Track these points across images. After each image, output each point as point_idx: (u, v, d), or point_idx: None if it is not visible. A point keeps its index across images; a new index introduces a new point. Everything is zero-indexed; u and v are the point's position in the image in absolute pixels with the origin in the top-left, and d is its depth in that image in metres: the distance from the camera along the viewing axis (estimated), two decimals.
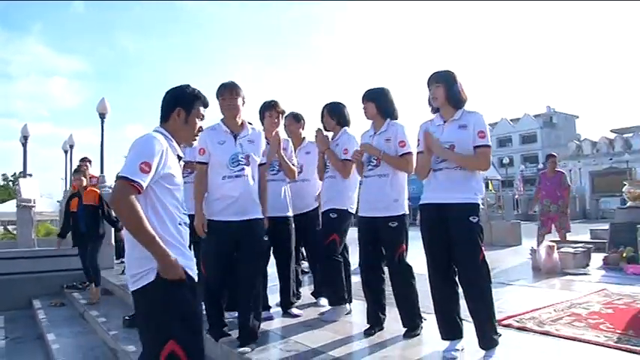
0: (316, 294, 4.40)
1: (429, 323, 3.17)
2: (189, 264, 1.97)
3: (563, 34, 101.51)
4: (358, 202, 3.54)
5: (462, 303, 2.83)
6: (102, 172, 10.58)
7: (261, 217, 3.22)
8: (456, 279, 2.84)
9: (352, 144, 3.68)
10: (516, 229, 10.03)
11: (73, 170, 7.54)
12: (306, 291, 4.66)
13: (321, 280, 4.18)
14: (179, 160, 2.07)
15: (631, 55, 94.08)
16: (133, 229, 1.82)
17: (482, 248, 2.74)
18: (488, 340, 2.71)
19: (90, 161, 7.99)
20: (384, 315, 3.38)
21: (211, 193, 3.20)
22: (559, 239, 7.19)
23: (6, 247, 9.45)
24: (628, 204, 7.42)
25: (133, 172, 1.82)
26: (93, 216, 6.24)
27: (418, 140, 3.04)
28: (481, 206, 2.86)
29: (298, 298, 4.26)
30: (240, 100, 3.22)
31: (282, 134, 4.07)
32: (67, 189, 11.81)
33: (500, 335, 2.77)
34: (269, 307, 3.97)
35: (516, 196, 24.14)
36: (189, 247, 2.12)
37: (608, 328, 3.31)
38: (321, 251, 3.75)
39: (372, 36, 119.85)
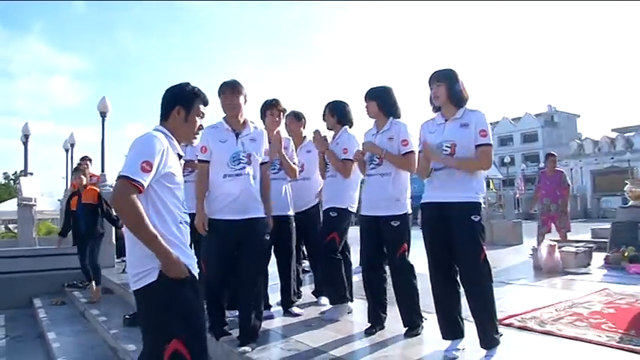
0: (317, 293, 4.39)
1: (430, 322, 3.16)
2: (190, 263, 1.97)
3: (564, 33, 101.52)
4: (360, 201, 3.54)
5: (463, 302, 2.82)
6: (103, 170, 10.60)
7: (263, 216, 3.21)
8: (457, 278, 2.83)
9: (352, 143, 3.67)
10: (517, 228, 10.03)
11: (73, 169, 7.54)
12: (307, 290, 4.65)
13: (321, 278, 4.18)
14: (179, 159, 2.07)
15: (633, 54, 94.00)
16: (135, 228, 1.82)
17: (484, 247, 2.73)
18: (489, 339, 2.70)
19: (90, 160, 7.98)
20: (385, 314, 3.37)
21: (212, 192, 3.19)
22: (559, 238, 7.18)
23: (7, 246, 9.47)
24: (630, 203, 7.40)
25: (134, 172, 1.81)
26: (92, 215, 6.24)
27: (419, 139, 3.04)
28: (482, 205, 2.85)
29: (299, 297, 4.26)
30: (241, 99, 3.21)
31: (283, 133, 4.07)
32: (68, 188, 11.82)
33: (501, 335, 2.76)
34: (270, 306, 3.97)
35: (517, 195, 24.13)
36: (190, 245, 2.12)
37: (610, 328, 3.30)
38: (322, 250, 3.74)
39: (372, 36, 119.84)
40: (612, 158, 30.86)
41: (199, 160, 3.27)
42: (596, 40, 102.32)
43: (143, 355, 2.00)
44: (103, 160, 11.14)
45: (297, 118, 4.30)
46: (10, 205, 17.07)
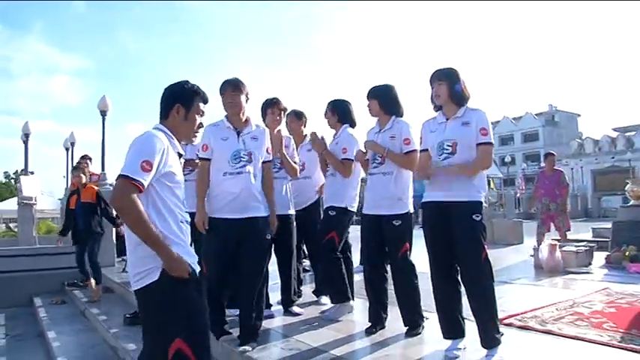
0: (317, 292, 4.39)
1: (431, 322, 3.16)
2: (192, 261, 1.96)
3: (565, 33, 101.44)
4: (362, 200, 3.53)
5: (464, 302, 2.81)
6: (103, 169, 10.57)
7: (264, 215, 3.19)
8: (459, 278, 2.82)
9: (351, 143, 3.66)
10: (518, 227, 10.02)
11: (72, 167, 7.54)
12: (308, 289, 4.65)
13: (322, 278, 4.17)
14: (180, 158, 2.06)
15: (633, 53, 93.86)
16: (135, 227, 1.81)
17: (485, 247, 2.72)
18: (490, 339, 2.69)
19: (90, 159, 7.97)
20: (386, 314, 3.37)
21: (212, 190, 3.18)
22: (559, 238, 7.17)
23: (7, 245, 9.47)
24: (631, 202, 7.40)
25: (134, 171, 1.80)
26: (91, 213, 6.23)
27: (421, 138, 3.03)
28: (484, 204, 2.84)
29: (299, 297, 4.25)
30: (243, 97, 3.21)
31: (284, 132, 4.06)
32: (68, 187, 11.81)
33: (502, 334, 2.75)
34: (270, 306, 3.95)
35: (518, 195, 24.15)
36: (190, 244, 2.11)
37: (611, 328, 3.29)
38: (321, 249, 3.73)
39: (372, 36, 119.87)
40: (613, 158, 30.79)
41: (200, 158, 3.27)
42: (596, 39, 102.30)
43: (143, 354, 1.99)
44: (104, 159, 11.12)
45: (297, 116, 4.29)
46: (11, 204, 17.11)
